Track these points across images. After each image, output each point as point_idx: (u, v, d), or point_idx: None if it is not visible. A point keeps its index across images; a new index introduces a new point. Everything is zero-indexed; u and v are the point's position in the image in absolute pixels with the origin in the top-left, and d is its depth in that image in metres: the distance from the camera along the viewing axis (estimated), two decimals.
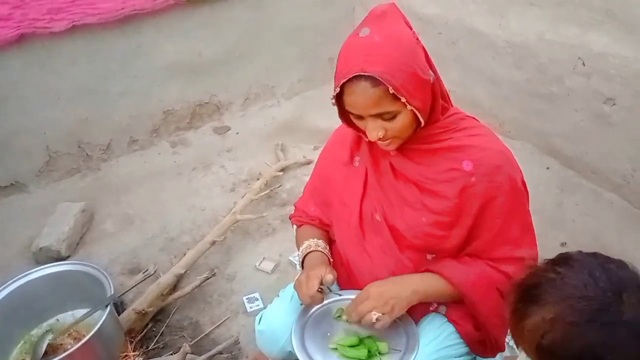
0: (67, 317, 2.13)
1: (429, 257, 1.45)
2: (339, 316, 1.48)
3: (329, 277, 1.40)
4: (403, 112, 1.26)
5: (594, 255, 1.00)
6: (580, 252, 1.02)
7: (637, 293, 0.92)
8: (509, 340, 1.57)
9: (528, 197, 1.44)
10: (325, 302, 1.52)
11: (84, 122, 3.06)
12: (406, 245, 1.44)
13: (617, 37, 2.43)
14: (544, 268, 1.01)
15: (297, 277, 1.49)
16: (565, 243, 2.45)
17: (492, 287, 1.41)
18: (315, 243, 1.57)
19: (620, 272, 0.96)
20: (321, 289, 1.41)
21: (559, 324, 0.92)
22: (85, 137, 3.11)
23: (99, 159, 3.21)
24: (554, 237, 2.48)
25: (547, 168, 2.87)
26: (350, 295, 1.48)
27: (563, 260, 1.00)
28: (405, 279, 1.41)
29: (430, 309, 1.50)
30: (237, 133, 3.48)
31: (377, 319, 1.32)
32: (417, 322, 1.48)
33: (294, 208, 1.77)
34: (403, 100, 1.23)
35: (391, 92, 1.21)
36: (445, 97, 1.40)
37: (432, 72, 1.31)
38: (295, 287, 1.47)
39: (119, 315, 2.09)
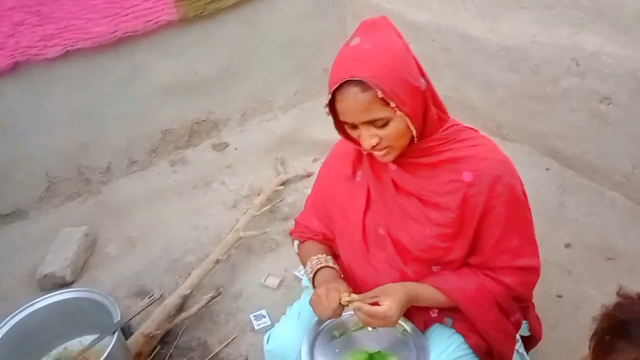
0: (75, 344, 2.12)
1: (434, 268, 1.45)
2: (336, 336, 1.49)
3: (354, 295, 1.38)
4: (395, 119, 1.27)
5: None
6: None
7: None
8: (518, 347, 1.56)
9: (529, 207, 1.44)
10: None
11: (82, 146, 3.06)
12: (411, 258, 1.44)
13: (609, 36, 2.44)
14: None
15: (311, 293, 1.46)
16: (570, 244, 2.45)
17: (491, 302, 1.41)
18: (325, 259, 1.55)
19: None
20: (341, 302, 1.40)
21: None
22: (84, 161, 3.11)
23: (99, 182, 3.21)
24: (558, 238, 2.48)
25: (547, 169, 2.87)
26: None
27: None
28: (403, 287, 1.39)
29: (432, 315, 1.49)
30: (236, 149, 3.48)
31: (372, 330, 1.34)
32: (421, 331, 1.48)
33: (295, 223, 1.77)
34: (393, 105, 1.23)
35: (380, 96, 1.22)
36: (440, 106, 1.40)
37: (423, 80, 1.31)
38: (311, 303, 1.43)
39: (126, 340, 2.08)
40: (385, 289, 1.36)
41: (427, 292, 1.41)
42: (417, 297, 1.39)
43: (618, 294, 1.00)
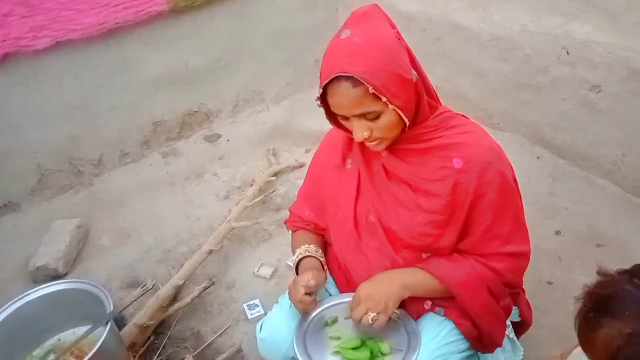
0: (69, 335, 2.11)
1: (424, 256, 1.46)
2: (328, 323, 1.49)
3: (312, 282, 1.41)
4: (386, 111, 1.27)
5: None
6: None
7: None
8: (509, 332, 1.58)
9: (519, 194, 1.45)
10: (324, 306, 1.53)
11: (73, 138, 3.05)
12: (402, 245, 1.45)
13: (600, 25, 2.45)
14: (619, 279, 0.99)
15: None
16: (560, 231, 2.47)
17: (481, 285, 1.42)
18: (306, 249, 1.58)
19: None
20: (309, 293, 1.42)
21: (637, 339, 0.91)
22: (76, 153, 3.10)
23: (91, 174, 3.20)
24: (549, 227, 2.50)
25: (538, 158, 2.89)
26: (346, 298, 1.49)
27: None
28: (393, 273, 1.43)
29: (425, 307, 1.50)
30: (228, 140, 3.48)
31: (372, 319, 1.33)
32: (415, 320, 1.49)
33: (289, 212, 1.78)
34: (384, 99, 1.23)
35: (371, 92, 1.22)
36: (432, 95, 1.41)
37: (415, 72, 1.31)
38: (289, 296, 1.48)
39: (120, 331, 2.08)
40: (359, 294, 1.41)
41: (417, 276, 1.42)
42: (415, 288, 1.42)
43: (598, 273, 1.02)
